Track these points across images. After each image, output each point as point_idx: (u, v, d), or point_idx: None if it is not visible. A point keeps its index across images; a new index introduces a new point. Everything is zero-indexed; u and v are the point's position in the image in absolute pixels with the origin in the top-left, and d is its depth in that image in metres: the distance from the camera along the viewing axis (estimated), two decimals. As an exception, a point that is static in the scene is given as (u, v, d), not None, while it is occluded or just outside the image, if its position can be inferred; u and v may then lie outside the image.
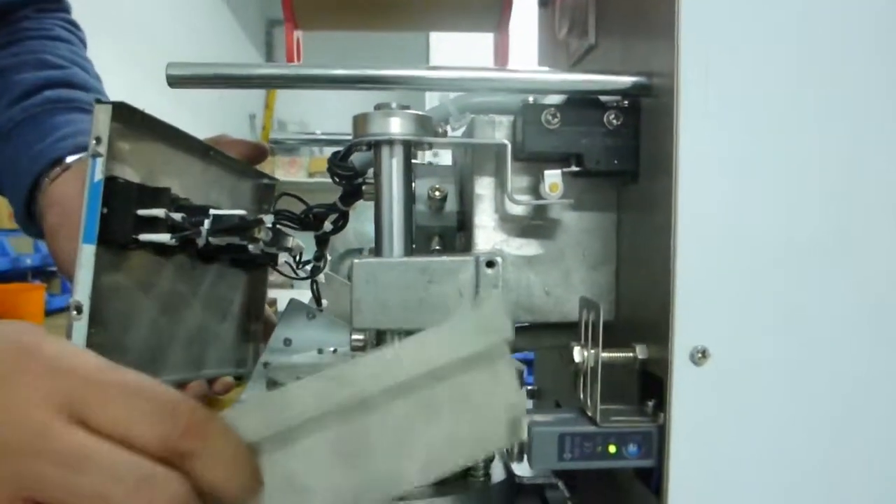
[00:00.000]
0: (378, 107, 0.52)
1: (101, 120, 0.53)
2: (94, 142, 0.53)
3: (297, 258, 0.71)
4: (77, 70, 0.79)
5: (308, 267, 0.72)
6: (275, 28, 5.03)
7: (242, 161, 0.76)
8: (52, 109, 0.74)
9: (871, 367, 0.48)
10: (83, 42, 0.86)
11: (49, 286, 2.37)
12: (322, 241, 0.68)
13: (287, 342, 0.79)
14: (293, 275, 0.72)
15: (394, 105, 0.51)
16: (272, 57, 5.11)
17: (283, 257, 0.71)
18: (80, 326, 0.52)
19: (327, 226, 0.66)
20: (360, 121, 0.52)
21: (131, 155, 0.57)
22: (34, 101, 0.74)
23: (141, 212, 0.57)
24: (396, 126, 0.51)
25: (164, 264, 0.64)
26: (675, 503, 0.46)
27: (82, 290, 0.52)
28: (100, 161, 0.52)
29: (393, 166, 0.52)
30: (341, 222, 0.66)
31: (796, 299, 0.47)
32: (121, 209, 0.56)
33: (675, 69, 0.45)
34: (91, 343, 0.52)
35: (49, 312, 2.30)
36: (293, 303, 0.80)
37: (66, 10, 0.86)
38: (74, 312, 0.52)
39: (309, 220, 0.65)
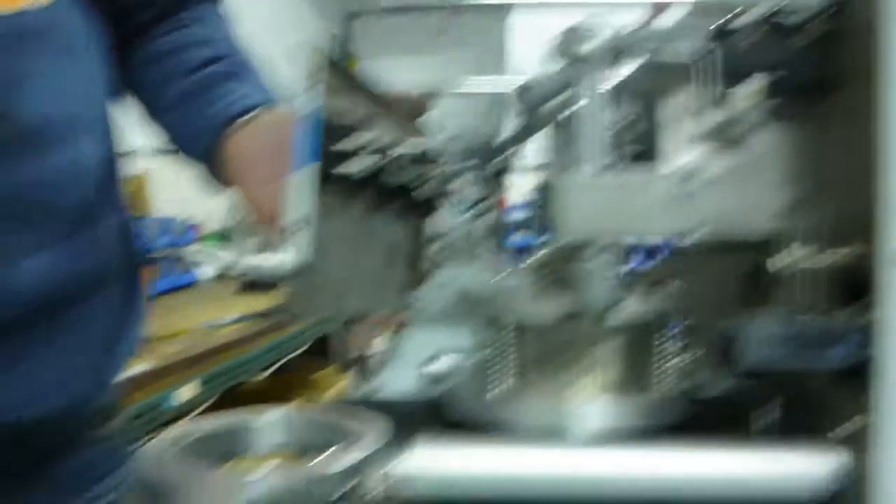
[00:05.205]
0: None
1: (313, 61, 0.58)
2: (305, 80, 0.57)
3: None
4: (234, 54, 0.87)
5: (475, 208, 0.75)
6: (353, 21, 5.12)
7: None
8: (217, 80, 0.83)
9: None
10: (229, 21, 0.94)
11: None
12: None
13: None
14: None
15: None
16: (348, 49, 5.20)
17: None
18: (305, 234, 0.57)
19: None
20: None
21: (328, 97, 0.62)
22: (204, 73, 0.84)
23: (334, 147, 0.62)
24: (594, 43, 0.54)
25: (350, 203, 0.68)
26: (886, 401, 0.47)
27: (300, 208, 0.57)
28: (310, 97, 0.57)
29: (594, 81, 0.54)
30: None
31: None
32: (320, 144, 0.60)
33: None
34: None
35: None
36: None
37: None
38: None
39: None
